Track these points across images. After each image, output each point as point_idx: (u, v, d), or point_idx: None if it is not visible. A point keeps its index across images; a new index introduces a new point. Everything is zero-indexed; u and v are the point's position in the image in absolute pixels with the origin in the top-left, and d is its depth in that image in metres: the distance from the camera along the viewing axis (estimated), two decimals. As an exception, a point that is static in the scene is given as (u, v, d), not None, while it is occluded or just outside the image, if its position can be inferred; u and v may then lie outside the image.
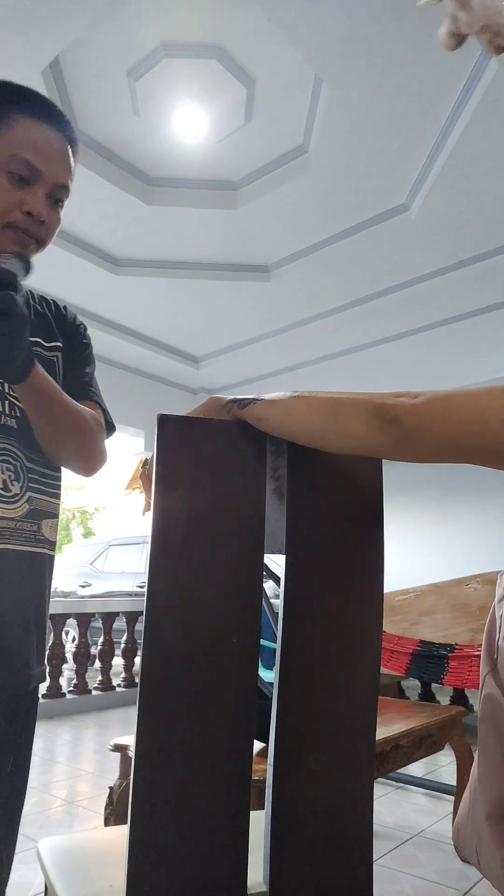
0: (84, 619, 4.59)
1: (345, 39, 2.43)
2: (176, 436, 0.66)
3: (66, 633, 5.72)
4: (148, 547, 0.64)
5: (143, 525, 7.35)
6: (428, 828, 2.34)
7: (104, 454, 1.04)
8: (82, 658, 4.50)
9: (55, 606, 4.51)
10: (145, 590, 0.63)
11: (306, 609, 0.71)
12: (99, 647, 4.71)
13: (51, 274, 4.05)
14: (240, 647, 0.66)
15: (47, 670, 0.89)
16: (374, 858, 1.03)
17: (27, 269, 0.82)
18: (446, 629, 3.64)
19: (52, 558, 1.00)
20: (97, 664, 4.71)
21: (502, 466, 0.57)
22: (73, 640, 5.74)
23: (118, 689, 4.68)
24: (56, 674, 4.34)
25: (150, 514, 0.65)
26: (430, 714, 2.14)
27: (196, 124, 3.03)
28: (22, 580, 0.92)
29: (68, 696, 4.40)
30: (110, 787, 1.94)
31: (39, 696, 1.02)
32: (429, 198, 3.30)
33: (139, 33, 2.57)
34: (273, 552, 0.71)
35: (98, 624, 4.78)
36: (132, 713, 0.62)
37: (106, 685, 4.61)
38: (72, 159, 0.97)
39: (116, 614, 4.82)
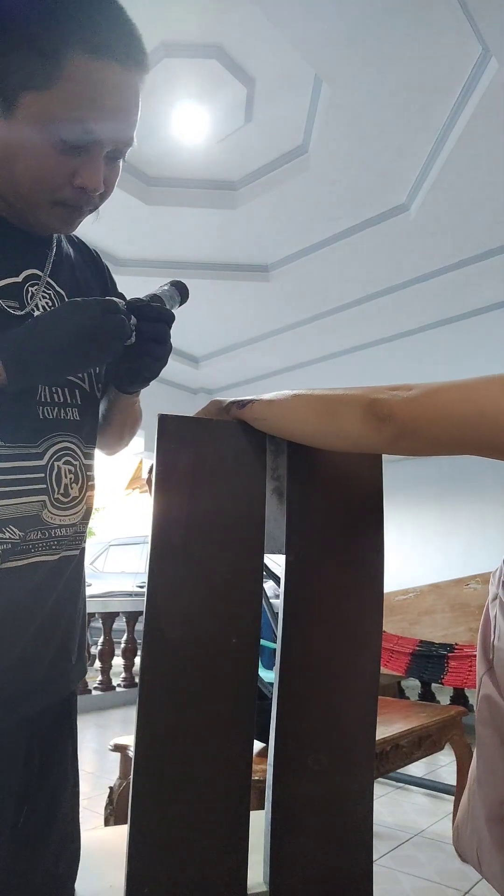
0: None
1: (345, 39, 2.42)
2: (176, 436, 0.66)
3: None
4: (148, 547, 0.64)
5: (143, 525, 7.35)
6: (428, 828, 2.34)
7: None
8: (82, 658, 4.49)
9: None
10: (145, 590, 0.63)
11: (306, 609, 0.71)
12: (99, 647, 4.70)
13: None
14: (240, 647, 0.65)
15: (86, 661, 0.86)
16: (374, 858, 1.03)
17: (184, 295, 0.83)
18: (446, 629, 3.64)
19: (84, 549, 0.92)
20: (97, 664, 4.71)
21: (501, 457, 0.56)
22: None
23: (118, 689, 4.67)
24: (56, 674, 4.33)
25: (150, 514, 0.65)
26: (429, 714, 2.14)
27: (196, 124, 3.03)
28: (77, 584, 0.87)
29: (68, 696, 4.40)
30: (110, 787, 1.94)
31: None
32: (428, 198, 3.30)
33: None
34: (273, 552, 0.70)
35: (98, 624, 4.78)
36: (132, 713, 0.62)
37: (106, 685, 4.61)
38: (140, 97, 0.73)
39: (116, 614, 4.82)
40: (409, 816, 2.46)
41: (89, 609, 4.62)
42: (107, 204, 0.85)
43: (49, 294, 0.81)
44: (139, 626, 4.70)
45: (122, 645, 4.81)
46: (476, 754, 0.77)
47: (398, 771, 2.42)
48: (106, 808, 1.92)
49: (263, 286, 4.31)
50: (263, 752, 0.72)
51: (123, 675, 4.81)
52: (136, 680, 3.58)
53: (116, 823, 1.86)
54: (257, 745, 0.73)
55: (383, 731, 1.87)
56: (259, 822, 0.67)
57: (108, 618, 4.71)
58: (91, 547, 8.36)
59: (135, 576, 6.65)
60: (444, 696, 3.81)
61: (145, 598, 0.63)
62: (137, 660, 4.65)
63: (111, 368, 0.86)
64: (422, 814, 2.49)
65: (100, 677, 4.63)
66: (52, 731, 0.84)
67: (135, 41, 0.70)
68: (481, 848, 0.71)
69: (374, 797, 0.74)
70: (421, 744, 1.99)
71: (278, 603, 0.71)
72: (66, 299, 0.83)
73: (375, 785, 0.82)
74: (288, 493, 0.71)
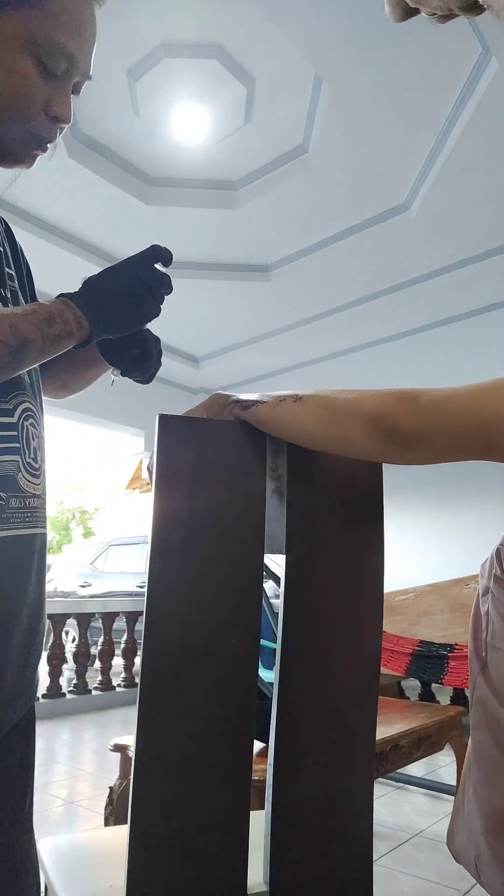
0: (84, 619, 4.58)
1: (344, 38, 2.43)
2: (176, 436, 0.66)
3: (66, 633, 5.71)
4: (148, 547, 0.64)
5: (142, 525, 7.34)
6: (428, 828, 2.33)
7: None
8: (82, 658, 4.49)
9: (55, 606, 4.51)
10: (145, 590, 0.63)
11: (306, 609, 0.71)
12: (99, 647, 4.70)
13: (49, 273, 4.04)
14: (240, 647, 0.65)
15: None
16: (374, 858, 1.03)
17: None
18: (446, 629, 3.64)
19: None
20: (97, 664, 4.71)
21: None
22: (73, 640, 5.74)
23: (118, 689, 4.67)
24: (56, 674, 4.34)
25: (150, 514, 0.65)
26: (429, 714, 2.14)
27: (196, 124, 3.03)
28: (44, 574, 0.81)
29: (68, 696, 4.40)
30: (110, 787, 1.94)
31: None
32: (428, 198, 3.30)
33: (139, 33, 2.57)
34: (273, 552, 0.70)
35: (98, 624, 4.78)
36: (132, 713, 0.62)
37: (106, 685, 4.61)
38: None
39: (116, 614, 4.82)
40: (408, 817, 2.46)
41: (90, 609, 4.53)
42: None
43: None
44: (139, 626, 4.70)
45: (122, 645, 4.81)
46: (470, 758, 0.74)
47: (398, 771, 2.41)
48: (106, 808, 1.92)
49: (263, 286, 4.31)
50: (263, 752, 0.72)
51: (123, 675, 4.80)
52: (136, 680, 3.58)
53: (116, 823, 1.86)
54: (257, 745, 0.73)
55: (383, 731, 1.87)
56: (259, 822, 0.67)
57: (108, 618, 4.71)
58: (91, 547, 8.37)
59: (135, 576, 6.65)
60: (444, 696, 3.81)
61: (145, 598, 0.63)
62: (137, 660, 4.65)
63: (112, 351, 0.83)
64: (421, 814, 2.49)
65: (100, 677, 4.63)
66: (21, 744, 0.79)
67: None
68: (480, 858, 0.69)
69: (374, 797, 0.74)
70: (421, 744, 1.99)
71: (278, 603, 0.71)
72: None
73: (375, 785, 0.81)
74: (288, 493, 0.71)
